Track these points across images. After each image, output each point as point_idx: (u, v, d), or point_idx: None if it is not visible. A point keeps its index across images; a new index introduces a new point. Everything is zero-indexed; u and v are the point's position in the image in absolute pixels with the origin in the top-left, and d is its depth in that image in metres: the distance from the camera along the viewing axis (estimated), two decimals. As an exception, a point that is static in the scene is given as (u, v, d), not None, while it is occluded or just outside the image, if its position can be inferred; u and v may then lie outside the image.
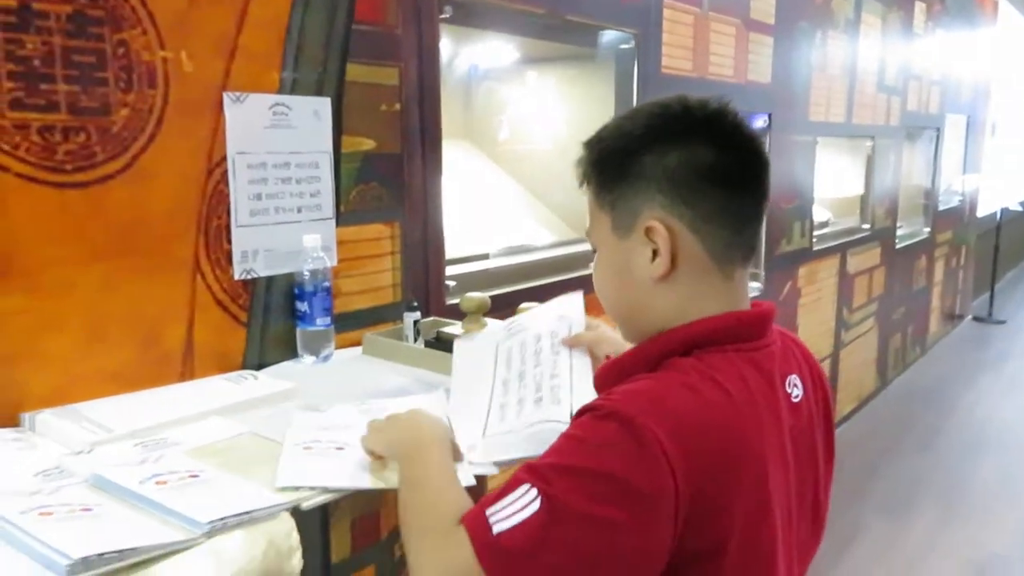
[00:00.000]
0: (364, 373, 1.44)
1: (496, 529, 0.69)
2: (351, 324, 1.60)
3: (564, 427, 1.06)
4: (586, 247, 2.51)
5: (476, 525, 0.71)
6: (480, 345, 1.16)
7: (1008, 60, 7.21)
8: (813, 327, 3.77)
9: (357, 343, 1.58)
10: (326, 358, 1.49)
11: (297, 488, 0.91)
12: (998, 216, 6.74)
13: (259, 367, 1.45)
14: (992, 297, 6.73)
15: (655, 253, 0.80)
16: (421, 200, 1.74)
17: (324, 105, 1.52)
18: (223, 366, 1.39)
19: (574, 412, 0.88)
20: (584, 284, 2.23)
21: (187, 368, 1.35)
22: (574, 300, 1.17)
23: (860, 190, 4.40)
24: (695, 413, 0.72)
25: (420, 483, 0.84)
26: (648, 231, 0.80)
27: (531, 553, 0.68)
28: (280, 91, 1.44)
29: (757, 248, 0.85)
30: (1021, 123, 8.56)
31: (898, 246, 4.84)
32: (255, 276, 1.44)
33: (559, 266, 2.24)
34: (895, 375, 5.04)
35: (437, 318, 1.65)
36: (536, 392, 1.02)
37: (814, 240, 3.70)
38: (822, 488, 0.89)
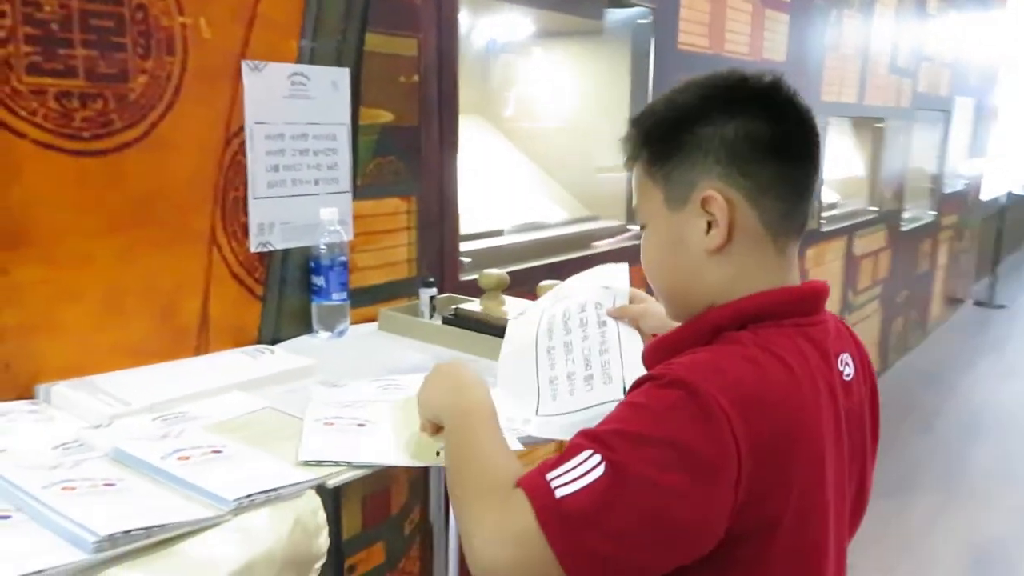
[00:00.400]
0: (380, 349, 1.43)
1: (559, 493, 0.68)
2: (366, 299, 1.58)
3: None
4: (598, 225, 2.48)
5: (536, 488, 0.69)
6: (528, 318, 1.14)
7: (1016, 46, 7.14)
8: (818, 309, 3.76)
9: (372, 318, 1.57)
10: (341, 333, 1.48)
11: (320, 463, 0.90)
12: (1003, 200, 6.72)
13: (274, 341, 1.43)
14: (994, 281, 6.73)
15: (710, 225, 0.79)
16: (437, 175, 1.71)
17: (343, 76, 1.49)
18: (238, 340, 1.38)
19: (627, 388, 0.87)
20: (597, 262, 2.21)
21: (202, 342, 1.33)
22: (619, 271, 1.15)
23: (862, 171, 4.37)
24: (757, 385, 0.71)
25: (471, 443, 0.82)
26: (705, 201, 0.79)
27: (594, 519, 0.67)
28: (299, 60, 1.41)
29: (808, 223, 0.84)
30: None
31: (904, 229, 4.82)
32: (271, 249, 1.42)
33: (573, 244, 2.22)
34: (896, 358, 5.05)
35: (452, 294, 1.63)
36: (586, 368, 1.00)
37: (822, 221, 3.68)
38: (868, 469, 0.88)
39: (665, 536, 0.68)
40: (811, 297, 0.82)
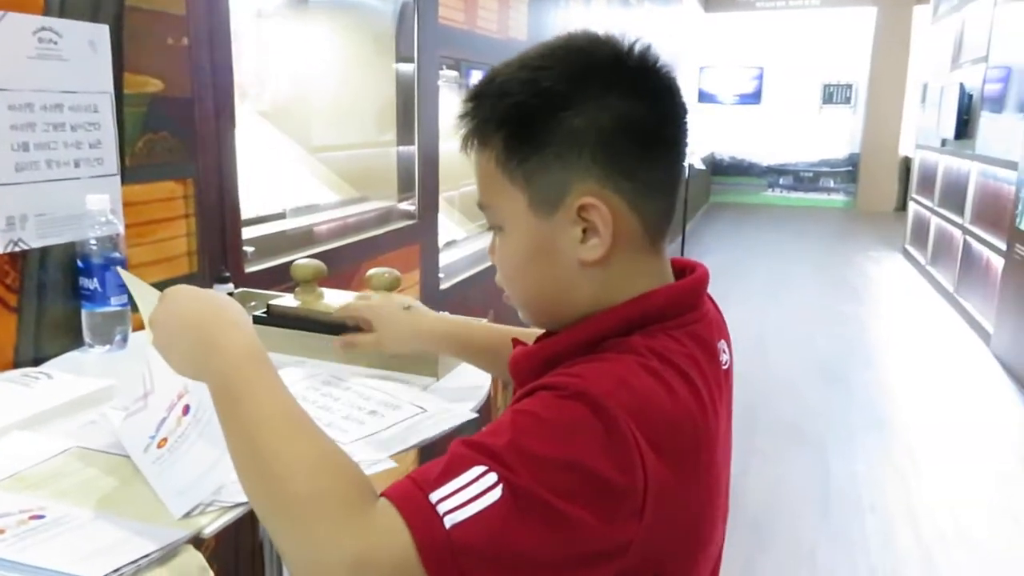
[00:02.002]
0: (179, 359, 1.21)
1: (449, 522, 0.56)
2: (143, 302, 1.34)
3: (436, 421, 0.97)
4: (372, 206, 2.36)
5: (418, 513, 0.56)
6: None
7: (688, 37, 8.11)
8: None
9: (152, 324, 1.33)
10: (122, 344, 1.23)
11: (203, 508, 0.73)
12: (687, 173, 7.64)
13: (36, 362, 1.15)
14: (683, 244, 7.63)
15: (585, 232, 0.69)
16: (215, 153, 1.49)
17: (102, 34, 1.22)
18: (-10, 364, 1.09)
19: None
20: (381, 245, 2.12)
21: (-59, 371, 1.03)
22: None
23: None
24: (663, 402, 0.64)
25: (263, 417, 0.63)
26: (583, 209, 0.68)
27: (489, 552, 0.56)
28: (47, 12, 1.14)
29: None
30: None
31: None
32: (25, 248, 1.13)
33: (355, 226, 2.09)
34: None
35: (247, 290, 1.44)
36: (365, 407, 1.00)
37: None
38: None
39: (561, 570, 0.59)
40: (695, 291, 0.75)
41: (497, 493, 0.57)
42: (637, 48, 0.71)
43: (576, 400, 0.61)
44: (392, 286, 1.21)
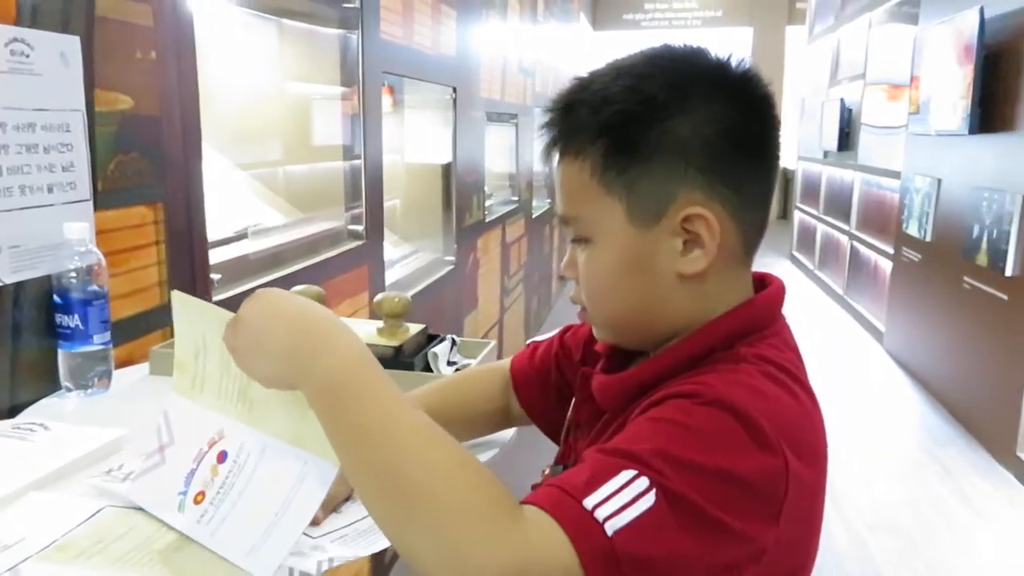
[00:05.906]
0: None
1: (610, 527, 0.54)
2: (116, 338, 1.22)
3: None
4: (324, 227, 2.26)
5: (576, 519, 0.55)
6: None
7: (586, 53, 8.30)
8: (488, 295, 3.95)
9: (127, 362, 1.22)
10: (105, 386, 1.12)
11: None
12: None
13: (11, 411, 1.03)
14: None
15: (685, 244, 0.68)
16: (183, 176, 1.39)
17: (73, 46, 1.12)
18: (-35, 417, 0.96)
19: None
20: (331, 268, 2.02)
21: (-87, 428, 0.90)
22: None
23: (504, 166, 4.68)
24: (791, 407, 0.65)
25: (384, 425, 0.58)
26: (687, 220, 0.67)
27: (652, 558, 0.55)
28: (18, 22, 1.02)
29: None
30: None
31: (533, 216, 5.29)
32: (-1, 284, 1.01)
33: (310, 247, 1.99)
34: (534, 334, 5.54)
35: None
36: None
37: (486, 212, 3.86)
38: None
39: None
40: (781, 300, 0.75)
41: (651, 498, 0.56)
42: (740, 60, 0.72)
43: (717, 407, 0.60)
44: (404, 311, 1.16)
